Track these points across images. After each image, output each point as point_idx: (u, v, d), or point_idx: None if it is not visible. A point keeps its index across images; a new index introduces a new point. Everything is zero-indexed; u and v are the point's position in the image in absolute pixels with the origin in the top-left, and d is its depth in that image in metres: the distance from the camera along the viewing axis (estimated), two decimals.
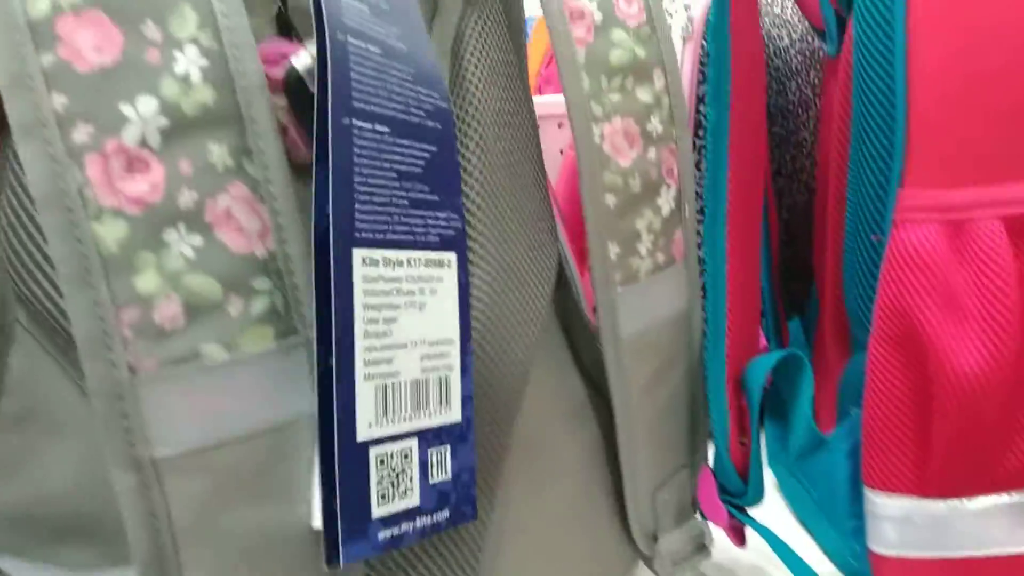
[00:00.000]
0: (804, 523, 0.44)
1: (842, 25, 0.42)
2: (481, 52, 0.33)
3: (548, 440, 0.34)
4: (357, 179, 0.22)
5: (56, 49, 0.20)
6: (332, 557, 0.21)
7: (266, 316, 0.22)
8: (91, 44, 0.20)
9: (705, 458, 0.40)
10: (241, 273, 0.22)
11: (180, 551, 0.21)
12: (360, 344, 0.22)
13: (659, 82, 0.35)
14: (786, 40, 0.52)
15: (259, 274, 0.22)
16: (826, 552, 0.41)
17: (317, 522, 0.22)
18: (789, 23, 0.53)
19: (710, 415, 0.38)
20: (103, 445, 0.21)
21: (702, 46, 0.47)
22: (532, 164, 0.34)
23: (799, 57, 0.52)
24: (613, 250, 0.33)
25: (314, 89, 0.23)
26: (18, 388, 0.23)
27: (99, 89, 0.20)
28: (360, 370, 0.22)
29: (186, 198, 0.21)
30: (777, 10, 0.52)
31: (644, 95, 0.35)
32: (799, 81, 0.52)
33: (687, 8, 0.48)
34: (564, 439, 0.35)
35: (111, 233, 0.20)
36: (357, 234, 0.22)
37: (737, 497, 0.38)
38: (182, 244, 0.21)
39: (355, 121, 0.22)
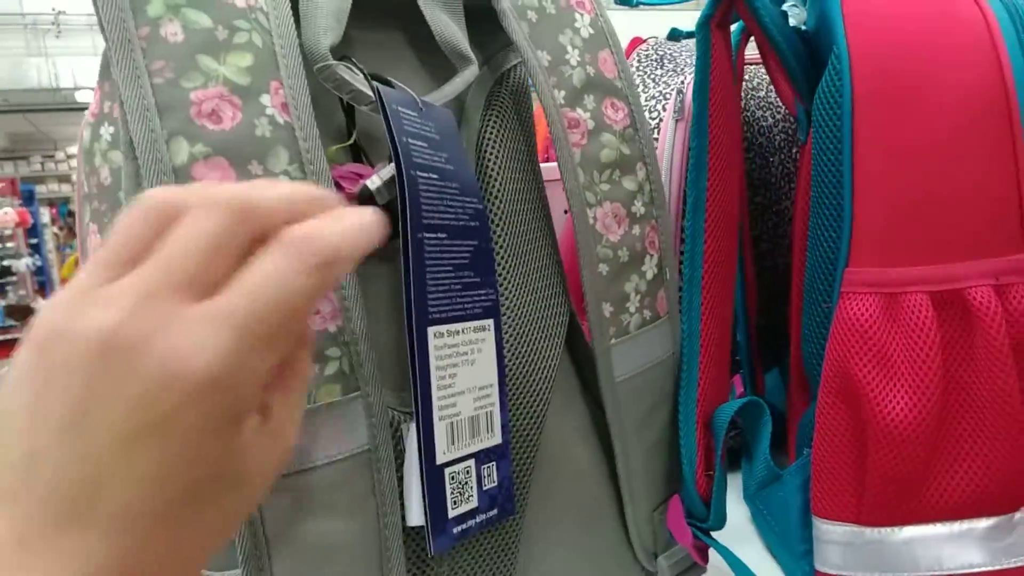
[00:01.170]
0: (769, 549, 0.51)
1: (809, 118, 0.49)
2: (499, 146, 0.40)
3: (562, 453, 0.41)
4: (429, 276, 0.30)
5: None
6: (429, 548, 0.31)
7: (336, 376, 0.30)
8: (215, 181, 0.28)
9: None
10: (318, 344, 0.30)
11: (271, 550, 0.29)
12: (435, 394, 0.30)
13: (641, 173, 0.43)
14: (769, 120, 0.59)
15: (331, 345, 0.30)
16: (787, 574, 0.48)
17: (414, 521, 0.31)
18: (773, 105, 0.59)
19: (680, 448, 0.45)
20: None
21: None
22: (544, 232, 0.41)
23: (781, 135, 0.59)
24: (607, 309, 0.41)
25: (380, 201, 0.31)
26: None
27: None
28: (436, 413, 0.30)
29: None
30: (761, 93, 0.58)
31: (629, 184, 0.42)
32: (781, 156, 0.59)
33: (680, 93, 0.55)
34: (574, 453, 0.42)
35: None
36: (430, 315, 0.30)
37: (701, 521, 0.45)
38: None
39: (425, 235, 0.30)
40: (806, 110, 0.49)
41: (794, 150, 0.61)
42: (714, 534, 0.44)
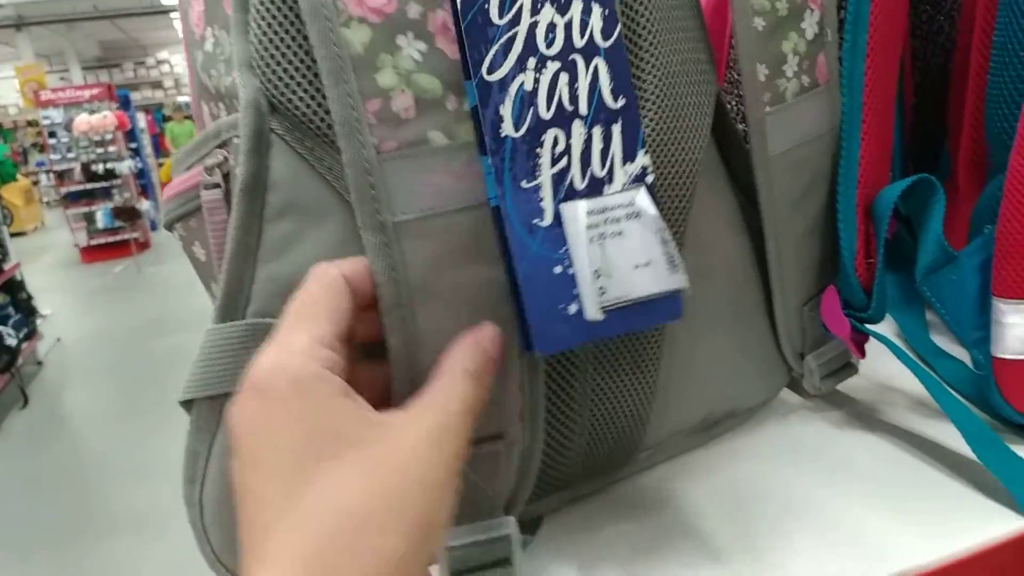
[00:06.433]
0: (925, 359, 0.47)
1: None
2: None
3: (708, 238, 0.37)
4: None
5: None
6: None
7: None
8: None
9: None
10: (457, 76, 0.26)
11: (415, 299, 0.27)
12: None
13: None
14: None
15: None
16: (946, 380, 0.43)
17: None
18: None
19: (839, 233, 0.40)
20: (356, 212, 0.26)
21: None
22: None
23: None
24: (762, 72, 0.36)
25: None
26: (280, 184, 0.28)
27: None
28: None
29: (413, 10, 0.26)
30: None
31: None
32: None
33: None
34: (722, 239, 0.39)
35: (357, 37, 0.25)
36: None
37: (860, 311, 0.41)
38: (411, 48, 0.26)
39: None
40: None
41: None
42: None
